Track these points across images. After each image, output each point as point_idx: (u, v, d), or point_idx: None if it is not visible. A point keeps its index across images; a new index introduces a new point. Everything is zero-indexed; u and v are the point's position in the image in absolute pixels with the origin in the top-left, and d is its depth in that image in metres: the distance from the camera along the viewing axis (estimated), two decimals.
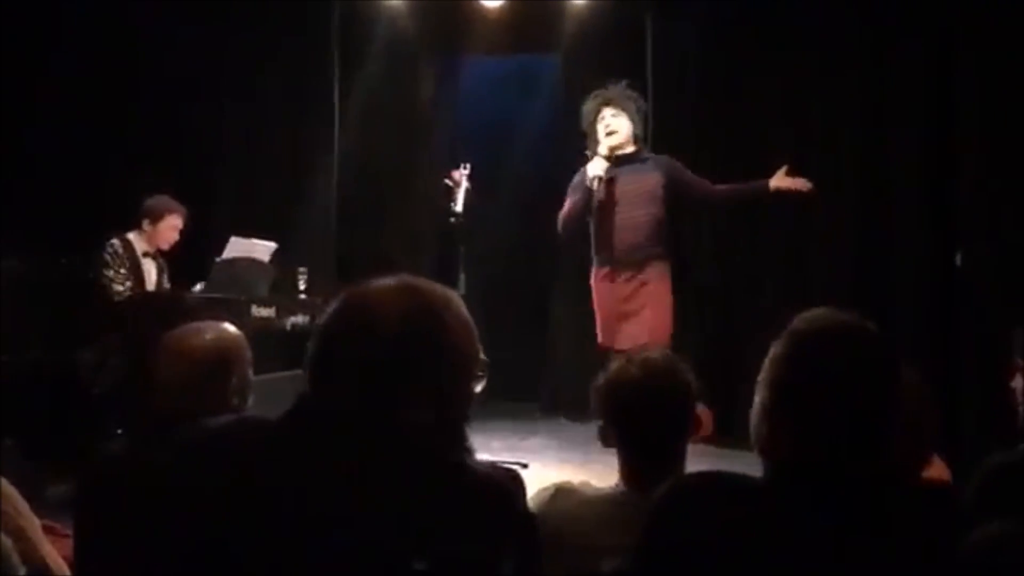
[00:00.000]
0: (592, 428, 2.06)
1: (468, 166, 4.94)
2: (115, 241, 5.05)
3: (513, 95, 7.58)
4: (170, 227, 5.16)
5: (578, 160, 4.86)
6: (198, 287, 5.03)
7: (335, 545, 1.14)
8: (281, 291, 5.50)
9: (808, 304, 1.44)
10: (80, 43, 6.18)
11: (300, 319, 5.42)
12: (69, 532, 2.12)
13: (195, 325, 2.16)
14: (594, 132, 4.71)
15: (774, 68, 5.97)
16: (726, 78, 6.10)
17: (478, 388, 1.32)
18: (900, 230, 5.55)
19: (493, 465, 1.35)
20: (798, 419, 1.31)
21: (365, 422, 1.21)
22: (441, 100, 7.07)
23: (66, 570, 2.07)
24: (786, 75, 5.93)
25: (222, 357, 2.09)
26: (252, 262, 5.25)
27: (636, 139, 4.71)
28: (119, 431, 4.28)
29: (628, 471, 1.91)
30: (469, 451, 1.30)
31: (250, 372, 2.17)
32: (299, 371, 4.80)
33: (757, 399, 1.37)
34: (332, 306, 1.29)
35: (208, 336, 2.11)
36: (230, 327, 2.19)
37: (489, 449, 4.89)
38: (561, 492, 1.89)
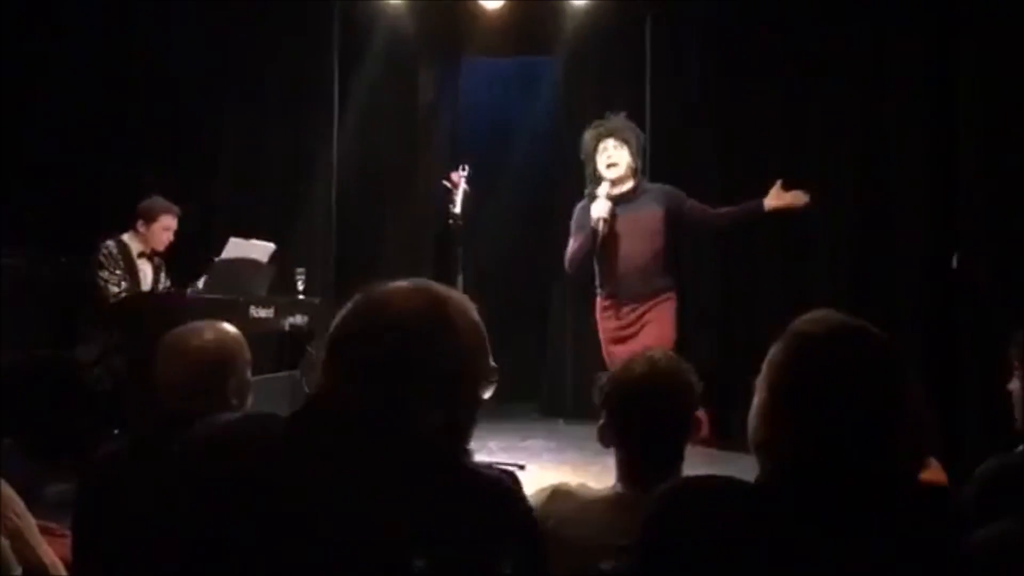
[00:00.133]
0: (590, 430, 2.07)
1: (467, 168, 4.94)
2: (109, 243, 5.06)
3: (513, 96, 7.58)
4: (164, 228, 5.17)
5: (577, 180, 4.85)
6: (201, 281, 5.02)
7: (339, 544, 1.14)
8: (280, 292, 5.51)
9: (807, 305, 1.44)
10: (80, 44, 6.18)
11: (299, 320, 5.43)
12: (66, 532, 2.13)
13: (194, 325, 2.17)
14: (594, 162, 4.72)
15: (773, 69, 5.97)
16: (725, 80, 6.11)
17: (487, 393, 1.33)
18: (900, 231, 5.56)
19: (490, 466, 1.36)
20: (797, 421, 1.31)
21: (374, 422, 1.21)
22: (441, 101, 7.07)
23: (63, 570, 2.07)
24: (785, 76, 5.94)
25: (221, 357, 2.10)
26: (251, 263, 5.26)
27: (635, 173, 4.73)
28: (117, 431, 4.29)
29: (626, 471, 1.91)
30: (468, 453, 1.31)
31: (249, 372, 2.17)
32: (297, 371, 4.81)
33: (755, 400, 1.37)
34: (346, 307, 1.30)
35: (207, 336, 2.12)
36: (229, 327, 2.19)
37: (487, 450, 4.90)
38: (558, 493, 1.89)
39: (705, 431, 1.96)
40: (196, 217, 5.59)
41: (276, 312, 5.23)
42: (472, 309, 1.32)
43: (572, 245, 4.76)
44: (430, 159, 6.83)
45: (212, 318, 2.25)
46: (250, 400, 2.15)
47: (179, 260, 5.41)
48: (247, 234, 5.41)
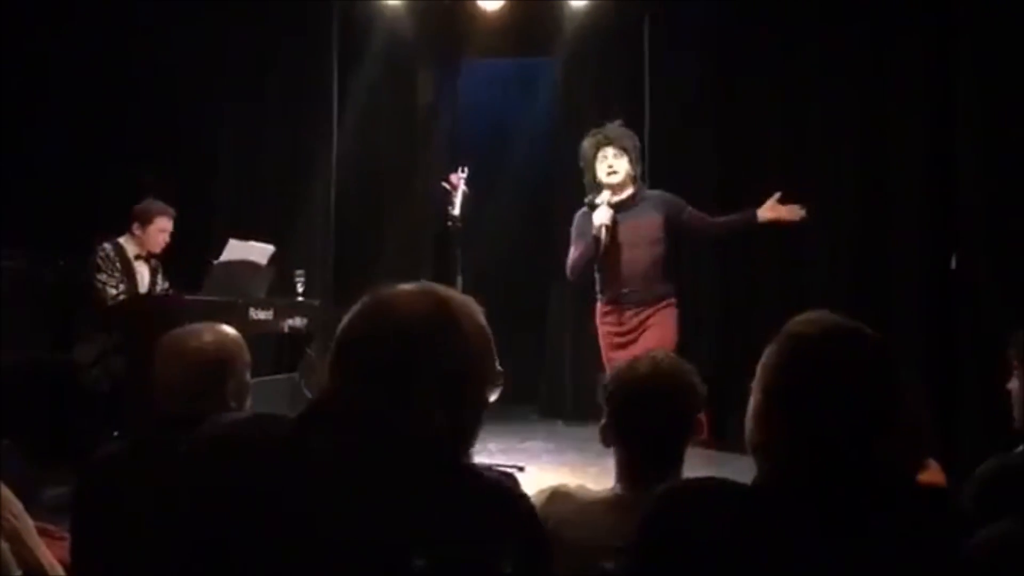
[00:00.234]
0: (589, 432, 2.07)
1: (466, 169, 4.94)
2: (106, 245, 5.06)
3: (512, 97, 7.59)
4: (159, 229, 5.17)
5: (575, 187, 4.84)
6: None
7: (340, 544, 1.14)
8: (279, 294, 5.51)
9: (806, 306, 1.44)
10: (80, 45, 6.18)
11: (298, 322, 5.43)
12: (65, 534, 2.12)
13: (193, 327, 2.16)
14: (593, 170, 4.72)
15: (772, 70, 5.98)
16: (724, 81, 6.11)
17: (493, 396, 1.34)
18: (899, 232, 5.56)
19: (489, 468, 1.36)
20: (791, 422, 1.31)
21: (380, 423, 1.22)
22: (440, 102, 7.08)
23: (61, 572, 2.07)
24: (784, 77, 5.94)
25: (220, 359, 2.09)
26: (250, 265, 5.26)
27: (634, 180, 4.73)
28: (116, 433, 4.28)
29: (625, 472, 1.91)
30: (468, 455, 1.32)
31: (248, 374, 2.17)
32: (296, 373, 4.80)
33: (751, 402, 1.37)
34: (352, 309, 1.30)
35: (207, 338, 2.11)
36: (229, 329, 2.19)
37: (487, 452, 4.90)
38: (557, 495, 1.89)
39: (703, 432, 1.96)
40: (194, 219, 5.59)
41: (275, 314, 5.23)
42: (478, 312, 1.33)
43: (573, 253, 4.76)
44: (429, 160, 6.83)
45: (211, 320, 2.24)
46: (249, 402, 2.15)
47: (178, 262, 5.41)
48: (246, 235, 5.40)
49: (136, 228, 5.15)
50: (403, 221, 6.86)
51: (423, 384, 1.24)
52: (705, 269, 6.11)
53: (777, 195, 4.66)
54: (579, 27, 6.56)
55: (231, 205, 6.53)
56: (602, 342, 4.76)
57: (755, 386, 1.36)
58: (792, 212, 4.66)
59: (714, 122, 6.12)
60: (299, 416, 1.27)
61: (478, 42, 6.80)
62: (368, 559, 1.14)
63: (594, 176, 4.70)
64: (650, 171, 5.31)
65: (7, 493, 2.02)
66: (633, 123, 4.99)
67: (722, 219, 4.81)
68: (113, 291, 4.98)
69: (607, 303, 4.71)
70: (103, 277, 4.99)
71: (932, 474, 2.15)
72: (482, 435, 1.33)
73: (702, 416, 1.97)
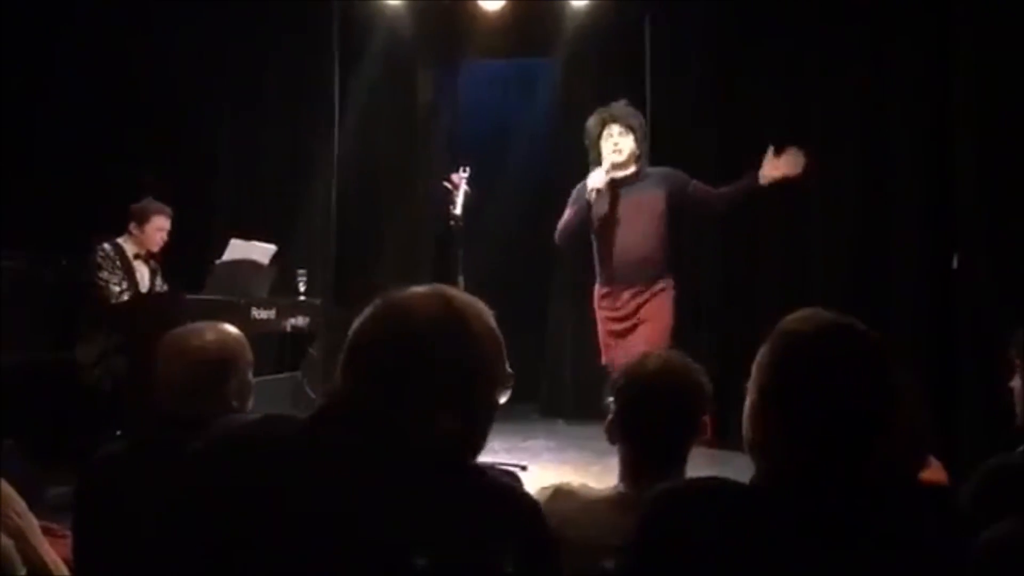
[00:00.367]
0: (590, 430, 2.07)
1: (467, 169, 4.93)
2: (105, 245, 5.06)
3: (512, 98, 7.59)
4: (157, 228, 5.18)
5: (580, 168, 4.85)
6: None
7: (343, 544, 1.14)
8: (281, 293, 5.51)
9: (806, 305, 1.44)
10: (80, 45, 6.19)
11: (299, 321, 5.43)
12: (67, 533, 2.12)
13: (195, 326, 2.16)
14: (598, 148, 4.69)
15: (772, 70, 5.98)
16: (724, 81, 6.11)
17: (503, 398, 1.35)
18: (899, 232, 5.56)
19: (491, 467, 1.37)
20: (787, 421, 1.31)
21: (390, 425, 1.23)
22: (440, 103, 7.08)
23: (65, 571, 2.07)
24: (784, 77, 5.94)
25: (223, 358, 2.09)
26: (252, 264, 5.26)
27: (638, 159, 4.70)
28: (118, 432, 4.28)
29: (629, 470, 1.92)
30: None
31: (250, 373, 2.17)
32: (298, 373, 4.81)
33: (747, 402, 1.37)
34: (365, 311, 1.31)
35: (209, 337, 2.11)
36: (231, 328, 2.18)
37: (489, 451, 4.89)
38: (560, 493, 1.90)
39: (706, 431, 1.96)
40: (196, 219, 5.59)
41: (277, 313, 5.24)
42: (489, 315, 1.34)
43: (564, 217, 4.73)
44: (429, 160, 6.83)
45: (213, 319, 2.24)
46: (251, 401, 2.15)
47: (179, 262, 5.41)
48: (247, 235, 5.41)
49: (134, 227, 5.16)
50: (404, 221, 6.86)
51: (434, 386, 1.25)
52: (706, 268, 6.11)
53: (770, 149, 4.60)
54: (579, 27, 6.56)
55: (231, 205, 6.53)
56: (600, 328, 4.74)
57: (750, 385, 1.36)
58: (792, 164, 4.58)
59: (715, 122, 6.12)
60: (310, 417, 1.28)
61: (478, 42, 6.79)
62: (370, 559, 1.14)
63: (599, 154, 4.67)
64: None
65: (10, 491, 2.02)
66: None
67: (725, 189, 4.76)
68: (116, 288, 4.99)
69: (604, 284, 4.68)
70: (105, 275, 4.99)
71: (933, 472, 2.15)
72: None
73: (707, 417, 1.97)
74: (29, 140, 6.06)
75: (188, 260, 5.48)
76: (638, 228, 4.56)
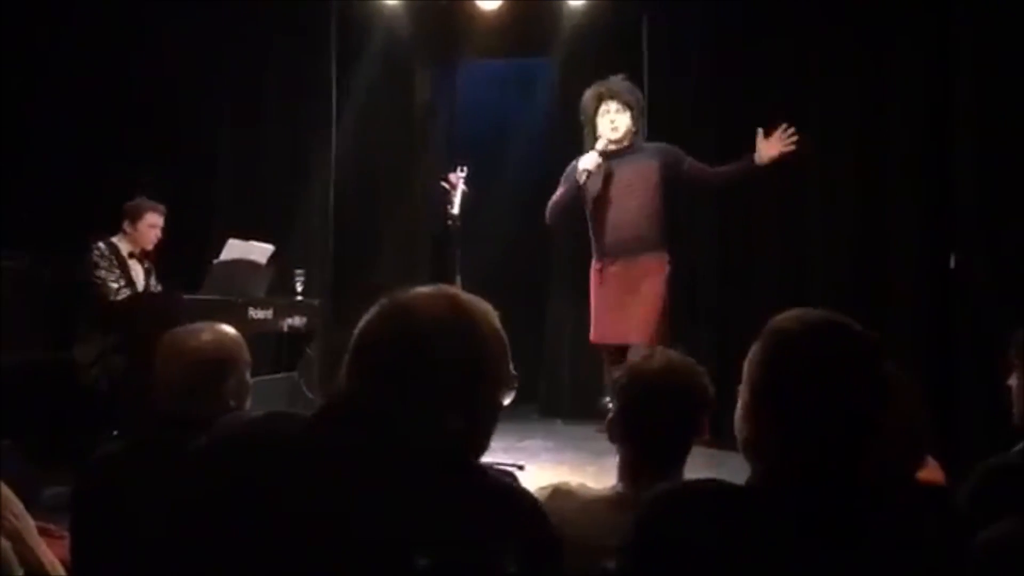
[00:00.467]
0: (588, 431, 2.07)
1: (465, 169, 4.94)
2: (100, 244, 5.06)
3: (510, 98, 7.58)
4: (150, 225, 5.18)
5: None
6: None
7: (345, 543, 1.14)
8: (278, 293, 5.51)
9: (804, 305, 1.44)
10: (79, 45, 6.18)
11: (297, 321, 5.43)
12: (64, 533, 2.12)
13: (193, 326, 2.16)
14: (594, 123, 4.67)
15: (771, 70, 5.97)
16: (723, 80, 6.11)
17: (507, 399, 1.35)
18: (897, 232, 5.56)
19: (490, 467, 1.37)
20: (779, 421, 1.31)
21: (394, 424, 1.23)
22: (438, 103, 7.07)
23: (62, 571, 2.06)
24: (783, 77, 5.94)
25: (220, 358, 2.09)
26: (250, 264, 5.26)
27: (634, 134, 4.69)
28: (116, 432, 4.28)
29: (628, 470, 1.92)
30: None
31: (248, 373, 2.17)
32: (295, 373, 4.80)
33: (740, 402, 1.37)
34: (371, 311, 1.32)
35: (206, 337, 2.11)
36: (229, 328, 2.19)
37: (488, 451, 4.89)
38: (559, 492, 1.90)
39: (706, 433, 1.97)
40: (194, 219, 5.59)
41: (275, 313, 5.24)
42: (494, 316, 1.34)
43: (556, 194, 4.72)
44: (428, 160, 6.83)
45: (211, 319, 2.24)
46: (249, 401, 2.15)
47: (175, 262, 5.41)
48: (245, 235, 5.41)
49: (127, 226, 5.16)
50: (402, 220, 6.85)
51: (439, 386, 1.25)
52: (704, 269, 6.11)
53: (759, 132, 4.60)
54: (577, 27, 6.55)
55: (230, 205, 6.52)
56: (592, 304, 4.72)
57: (742, 384, 1.36)
58: (786, 142, 4.58)
59: (713, 122, 6.11)
60: (313, 415, 1.29)
61: (476, 42, 6.79)
62: (372, 558, 1.14)
63: (594, 130, 4.65)
64: None
65: (7, 492, 2.02)
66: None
67: (722, 168, 4.77)
68: (114, 286, 4.99)
69: (599, 259, 4.67)
70: (102, 274, 4.99)
71: (931, 472, 2.15)
72: None
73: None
74: (29, 140, 6.06)
75: (186, 260, 5.48)
76: (632, 200, 4.56)
